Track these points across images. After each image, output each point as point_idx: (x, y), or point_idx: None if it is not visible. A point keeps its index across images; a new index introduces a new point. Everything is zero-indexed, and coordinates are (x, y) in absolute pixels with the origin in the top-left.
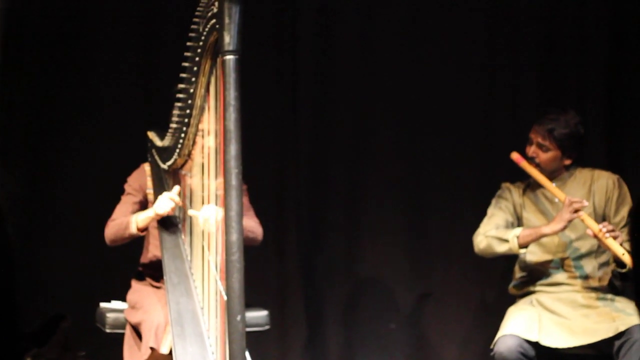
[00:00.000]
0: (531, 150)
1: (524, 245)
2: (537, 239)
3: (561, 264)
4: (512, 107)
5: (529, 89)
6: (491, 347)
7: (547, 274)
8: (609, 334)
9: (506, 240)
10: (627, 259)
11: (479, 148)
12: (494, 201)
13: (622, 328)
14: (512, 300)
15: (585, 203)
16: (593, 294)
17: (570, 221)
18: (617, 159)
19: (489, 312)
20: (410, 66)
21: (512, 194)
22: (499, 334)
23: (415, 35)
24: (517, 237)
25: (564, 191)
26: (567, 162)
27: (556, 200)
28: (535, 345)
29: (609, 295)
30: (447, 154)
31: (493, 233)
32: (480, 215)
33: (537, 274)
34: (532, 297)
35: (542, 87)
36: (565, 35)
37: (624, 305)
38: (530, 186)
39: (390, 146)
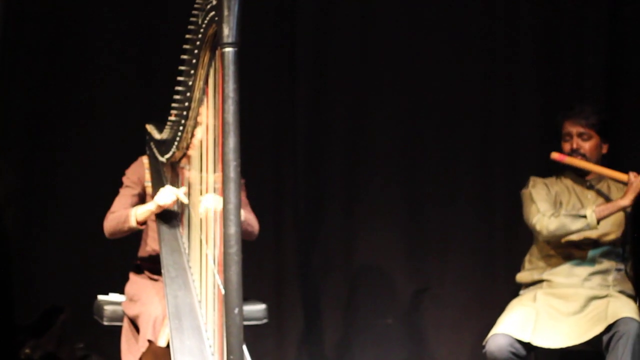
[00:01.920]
0: (574, 143)
1: (599, 220)
2: (613, 213)
3: (580, 258)
4: (511, 101)
5: (527, 85)
6: (483, 344)
7: (561, 265)
8: (600, 330)
9: (583, 217)
10: None
11: (476, 143)
12: (527, 192)
13: (610, 321)
14: (510, 293)
15: None
16: (599, 292)
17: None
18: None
19: (486, 306)
20: (409, 60)
21: (546, 184)
22: (492, 332)
23: (414, 29)
24: (594, 212)
25: (599, 186)
26: (604, 150)
27: (589, 196)
28: (528, 344)
29: (613, 293)
30: (444, 149)
31: (563, 212)
32: (478, 209)
33: (551, 264)
34: (537, 290)
35: (541, 83)
36: (564, 34)
37: (620, 301)
38: (560, 180)
39: (388, 141)
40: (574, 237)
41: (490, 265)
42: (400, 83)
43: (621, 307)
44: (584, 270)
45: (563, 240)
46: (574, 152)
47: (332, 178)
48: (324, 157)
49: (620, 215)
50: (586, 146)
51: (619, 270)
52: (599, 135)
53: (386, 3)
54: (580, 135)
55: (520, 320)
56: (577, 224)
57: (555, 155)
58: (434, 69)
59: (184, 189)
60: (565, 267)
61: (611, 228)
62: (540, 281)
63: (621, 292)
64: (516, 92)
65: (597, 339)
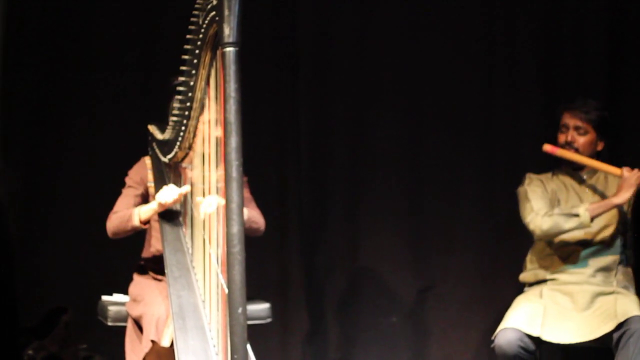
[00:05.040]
0: (569, 135)
1: (593, 218)
2: (607, 211)
3: (582, 254)
4: (511, 100)
5: (528, 84)
6: (492, 339)
7: (564, 264)
8: (610, 328)
9: (576, 215)
10: None
11: (478, 143)
12: (523, 189)
13: (620, 319)
14: (514, 291)
15: None
16: (604, 289)
17: (636, 189)
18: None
19: (491, 304)
20: (410, 59)
21: (542, 181)
22: (501, 326)
23: (414, 29)
24: (587, 210)
25: (594, 180)
26: (600, 147)
27: (587, 191)
28: (537, 338)
29: (618, 290)
30: (446, 148)
31: (557, 211)
32: (481, 208)
33: (553, 263)
34: (543, 287)
35: (542, 83)
36: (565, 34)
37: (628, 298)
38: (557, 176)
39: (391, 140)
40: (568, 237)
41: (494, 263)
42: (402, 82)
43: (630, 305)
44: (587, 267)
45: (557, 240)
46: (567, 145)
47: (336, 177)
48: (327, 156)
49: (615, 209)
50: (581, 140)
51: (620, 264)
52: (596, 131)
53: (387, 3)
54: (577, 128)
55: (528, 315)
56: (571, 223)
57: (547, 147)
58: (435, 69)
59: (186, 188)
60: (568, 265)
61: (609, 221)
62: (544, 280)
63: (625, 287)
64: (517, 91)
65: (607, 336)
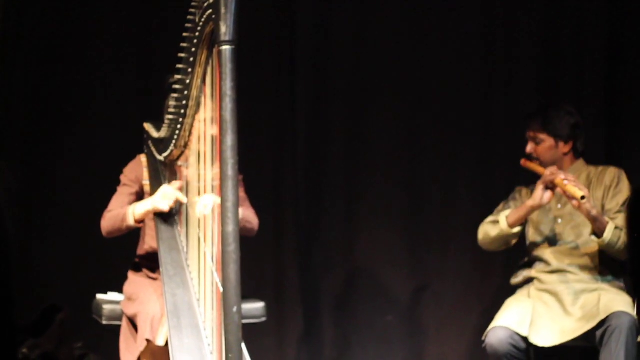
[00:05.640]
0: (528, 148)
1: (514, 224)
2: (525, 215)
3: (563, 251)
4: (509, 102)
5: (527, 85)
6: (482, 338)
7: (547, 261)
8: (592, 325)
9: (496, 222)
10: (587, 205)
11: (475, 143)
12: (502, 202)
13: (603, 316)
14: (509, 291)
15: (562, 175)
16: (588, 285)
17: (545, 187)
18: (614, 158)
19: (486, 303)
20: (408, 59)
21: (521, 195)
22: (491, 325)
23: (413, 29)
24: (507, 217)
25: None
26: (565, 149)
27: (561, 204)
28: (526, 338)
29: (602, 286)
30: (444, 148)
31: (488, 220)
32: (478, 207)
33: (538, 260)
34: (530, 287)
35: (540, 85)
36: (564, 35)
37: (611, 294)
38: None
39: (388, 139)
40: (499, 245)
41: (490, 262)
42: (400, 83)
43: (613, 301)
44: (570, 265)
45: (491, 248)
46: (529, 156)
47: (332, 176)
48: (323, 156)
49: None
50: (539, 150)
51: (603, 257)
52: (551, 135)
53: (386, 3)
54: (533, 139)
55: (518, 315)
56: (494, 230)
57: (522, 162)
58: (434, 70)
59: (179, 183)
60: (552, 264)
61: (581, 218)
62: (530, 279)
63: (609, 282)
64: (515, 92)
65: (591, 334)
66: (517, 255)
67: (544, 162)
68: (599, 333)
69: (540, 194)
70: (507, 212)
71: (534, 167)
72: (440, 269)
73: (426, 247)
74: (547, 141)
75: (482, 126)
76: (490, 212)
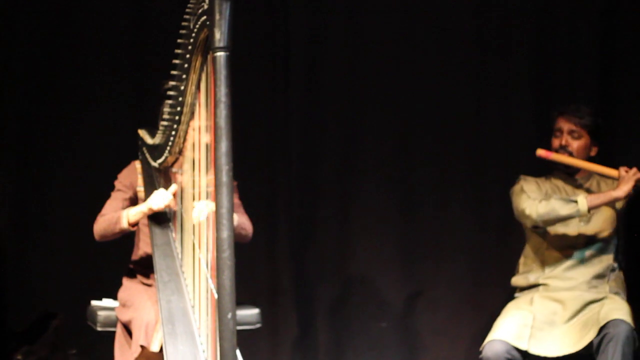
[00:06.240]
0: (563, 140)
1: (591, 208)
2: (605, 203)
3: (575, 259)
4: (502, 104)
5: (520, 88)
6: (480, 350)
7: (557, 267)
8: (592, 336)
9: (574, 202)
10: None
11: (469, 147)
12: (518, 186)
13: (601, 323)
14: (504, 296)
15: None
16: (596, 296)
17: (635, 184)
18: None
19: (481, 309)
20: (401, 63)
21: (537, 182)
22: (489, 337)
23: (406, 32)
24: (586, 198)
25: (588, 185)
26: (593, 152)
27: (580, 195)
28: (525, 351)
29: (610, 295)
30: (437, 152)
31: (555, 197)
32: (472, 213)
33: (545, 267)
34: (534, 293)
35: (533, 88)
36: (557, 35)
37: (614, 303)
38: (550, 180)
39: (381, 145)
40: (562, 230)
41: (484, 268)
42: (393, 86)
43: (613, 309)
44: (580, 273)
45: (551, 230)
46: (561, 149)
47: (326, 182)
48: (317, 161)
49: (611, 212)
50: (575, 144)
51: (614, 270)
52: (589, 136)
53: (378, 7)
54: (571, 132)
55: (517, 326)
56: (567, 209)
57: (541, 152)
58: (427, 73)
59: (173, 188)
60: (561, 270)
61: (603, 225)
62: (536, 285)
63: (616, 293)
64: (509, 95)
65: (589, 343)
66: (511, 260)
67: (577, 157)
68: (596, 340)
69: (629, 189)
70: (584, 194)
71: (566, 159)
72: (435, 275)
73: (420, 253)
74: (584, 140)
75: (475, 131)
76: (483, 218)
